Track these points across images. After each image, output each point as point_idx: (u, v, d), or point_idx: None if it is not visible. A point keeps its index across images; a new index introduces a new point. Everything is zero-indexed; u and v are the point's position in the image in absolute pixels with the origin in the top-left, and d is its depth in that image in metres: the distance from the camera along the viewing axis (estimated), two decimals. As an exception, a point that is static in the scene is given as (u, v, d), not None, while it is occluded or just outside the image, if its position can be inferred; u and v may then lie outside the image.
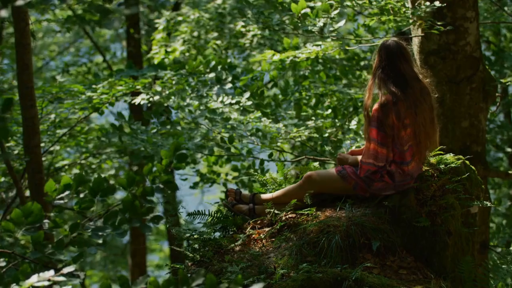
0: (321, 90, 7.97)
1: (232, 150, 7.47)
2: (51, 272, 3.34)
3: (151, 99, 7.60)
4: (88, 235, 3.74)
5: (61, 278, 3.36)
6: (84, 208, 3.79)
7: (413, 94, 4.83)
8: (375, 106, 4.82)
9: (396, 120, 4.79)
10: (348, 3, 6.04)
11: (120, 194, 13.96)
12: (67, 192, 3.81)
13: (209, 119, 7.03)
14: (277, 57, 7.23)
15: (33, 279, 3.33)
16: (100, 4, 3.67)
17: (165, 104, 7.53)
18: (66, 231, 3.77)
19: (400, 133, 4.80)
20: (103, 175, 4.01)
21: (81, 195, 3.81)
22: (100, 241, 3.73)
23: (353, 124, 7.52)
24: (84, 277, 3.54)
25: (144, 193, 3.78)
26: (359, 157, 5.01)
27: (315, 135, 7.53)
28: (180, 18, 10.75)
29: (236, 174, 9.32)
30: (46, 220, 3.73)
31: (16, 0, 3.39)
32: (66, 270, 3.43)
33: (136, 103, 7.83)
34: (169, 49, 10.28)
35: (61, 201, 3.80)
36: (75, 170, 9.68)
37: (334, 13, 5.87)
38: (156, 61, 10.14)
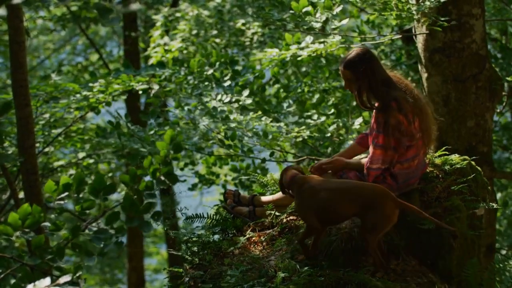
0: (324, 86, 7.92)
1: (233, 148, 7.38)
2: (47, 280, 3.25)
3: (150, 90, 7.52)
4: (88, 239, 3.64)
5: (58, 288, 3.27)
6: (86, 208, 3.69)
7: (401, 87, 4.77)
8: (380, 113, 4.69)
9: (405, 120, 4.69)
10: (351, -1, 5.98)
11: (115, 196, 13.87)
12: (67, 193, 3.71)
13: (211, 115, 6.95)
14: (274, 54, 7.14)
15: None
16: (100, 2, 3.57)
17: (163, 101, 7.45)
18: (67, 234, 3.68)
19: (409, 129, 4.70)
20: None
21: (81, 195, 3.72)
22: (101, 245, 3.63)
23: (357, 124, 7.47)
24: (84, 284, 3.44)
25: (146, 187, 3.70)
26: (358, 158, 4.93)
27: (317, 134, 7.47)
28: (178, 15, 10.64)
29: (235, 175, 9.26)
30: (47, 223, 3.64)
31: None
32: (63, 280, 3.33)
33: (137, 89, 7.67)
34: (166, 48, 10.17)
35: (61, 202, 3.70)
36: (71, 171, 9.63)
37: (337, 10, 5.82)
38: (154, 61, 10.03)
